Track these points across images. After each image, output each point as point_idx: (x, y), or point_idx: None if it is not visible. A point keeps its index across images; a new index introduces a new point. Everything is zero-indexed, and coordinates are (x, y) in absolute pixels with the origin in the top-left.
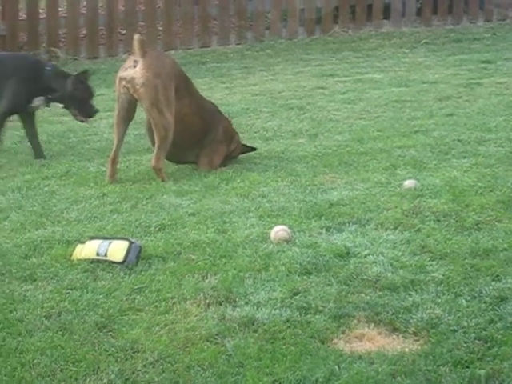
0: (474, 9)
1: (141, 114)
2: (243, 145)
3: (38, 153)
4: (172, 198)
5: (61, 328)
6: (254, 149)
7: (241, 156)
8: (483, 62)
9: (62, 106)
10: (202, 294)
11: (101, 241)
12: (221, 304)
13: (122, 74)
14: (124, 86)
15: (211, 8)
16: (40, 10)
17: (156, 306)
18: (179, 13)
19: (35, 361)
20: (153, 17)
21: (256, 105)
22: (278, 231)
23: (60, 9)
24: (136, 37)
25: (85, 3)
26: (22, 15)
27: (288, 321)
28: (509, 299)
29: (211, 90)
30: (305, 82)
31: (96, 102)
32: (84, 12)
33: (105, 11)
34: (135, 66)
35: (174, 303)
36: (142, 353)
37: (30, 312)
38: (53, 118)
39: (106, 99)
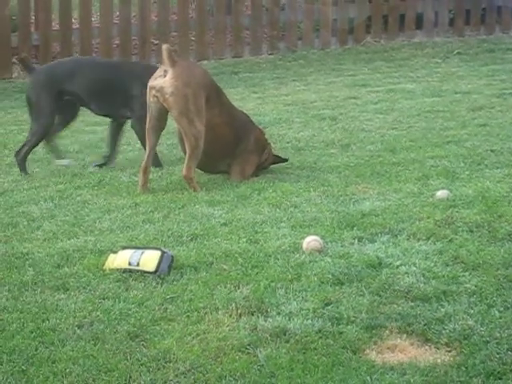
0: (507, 19)
1: (174, 123)
2: (275, 155)
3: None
4: (204, 208)
5: (93, 337)
6: (285, 160)
7: (273, 166)
8: None
9: None
10: (233, 304)
11: (133, 250)
12: (253, 314)
13: (152, 83)
14: (154, 96)
15: (244, 18)
16: (73, 20)
17: (188, 316)
18: (212, 23)
19: (67, 370)
20: (185, 27)
21: (288, 115)
22: (310, 241)
23: (93, 19)
24: (165, 47)
25: (118, 13)
26: (55, 25)
27: (320, 331)
28: None
29: (243, 100)
30: (337, 92)
31: None
32: (117, 22)
33: (137, 21)
34: (165, 76)
35: (205, 313)
36: (173, 363)
37: (62, 321)
38: (85, 127)
39: None
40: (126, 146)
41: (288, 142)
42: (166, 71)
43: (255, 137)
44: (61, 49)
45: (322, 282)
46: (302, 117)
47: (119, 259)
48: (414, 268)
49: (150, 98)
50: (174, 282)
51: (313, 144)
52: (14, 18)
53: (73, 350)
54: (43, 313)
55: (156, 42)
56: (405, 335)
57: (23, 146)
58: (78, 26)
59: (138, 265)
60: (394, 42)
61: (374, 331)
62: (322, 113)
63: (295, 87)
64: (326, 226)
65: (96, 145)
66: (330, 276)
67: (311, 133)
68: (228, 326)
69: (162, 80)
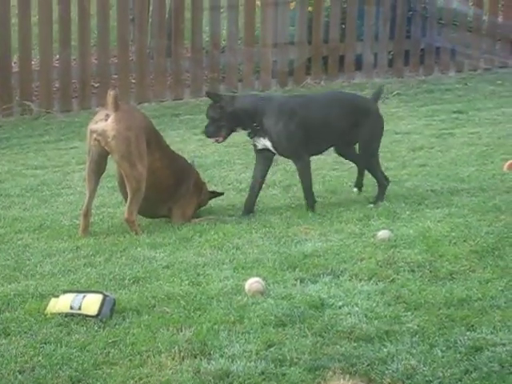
0: (445, 59)
1: (114, 166)
2: (211, 191)
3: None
4: (146, 251)
5: (35, 383)
6: (222, 193)
7: (214, 207)
8: (455, 112)
9: None
10: (176, 347)
11: (75, 294)
12: (195, 357)
13: (92, 126)
14: (95, 139)
15: (184, 61)
16: (12, 64)
17: (130, 360)
18: (152, 65)
19: None
20: (126, 69)
21: (229, 156)
22: (253, 283)
23: (33, 62)
24: (111, 92)
25: (57, 56)
26: None
27: (263, 373)
28: (483, 349)
29: (184, 142)
30: None
31: (69, 154)
32: (57, 65)
33: (77, 64)
34: (106, 120)
35: (148, 356)
36: None
37: (3, 367)
38: (26, 171)
39: (80, 152)
40: (67, 189)
41: (229, 184)
42: (107, 115)
43: (194, 179)
44: (0, 92)
45: (265, 324)
46: (243, 158)
47: (61, 303)
48: (357, 308)
49: (91, 142)
50: (117, 326)
51: None
52: None
53: None
54: None
55: (96, 84)
56: (348, 376)
57: None
58: (17, 69)
59: (79, 308)
60: (334, 82)
61: (317, 372)
62: None
63: None
64: (268, 267)
65: (36, 188)
66: (273, 318)
67: (252, 174)
68: (171, 369)
69: (104, 123)
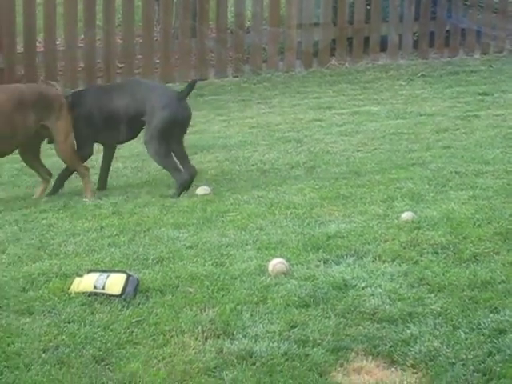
0: (471, 41)
1: (139, 146)
2: None
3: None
4: (170, 231)
5: (58, 361)
6: None
7: (240, 188)
8: (480, 94)
9: None
10: (199, 327)
11: (98, 274)
12: (219, 337)
13: None
14: None
15: (208, 41)
16: (37, 43)
17: (154, 339)
18: (176, 46)
19: None
20: (150, 49)
21: (253, 137)
22: (276, 264)
23: (58, 42)
24: None
25: (82, 36)
26: (20, 48)
27: (286, 354)
28: (507, 331)
29: (209, 122)
30: (302, 115)
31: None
32: (81, 45)
33: (102, 44)
34: None
35: (171, 336)
36: None
37: (27, 345)
38: (50, 151)
39: None
40: (91, 169)
41: (253, 165)
42: None
43: None
44: (25, 72)
45: (288, 305)
46: (267, 139)
47: (85, 283)
48: (380, 290)
49: None
50: (140, 306)
51: (278, 166)
52: None
53: (38, 375)
54: (8, 337)
55: (121, 65)
56: (371, 357)
57: None
58: (42, 49)
59: (103, 288)
60: (358, 64)
61: (339, 353)
62: (286, 135)
63: (260, 110)
64: (291, 248)
65: (60, 168)
66: (296, 298)
67: (276, 155)
68: (194, 349)
69: None
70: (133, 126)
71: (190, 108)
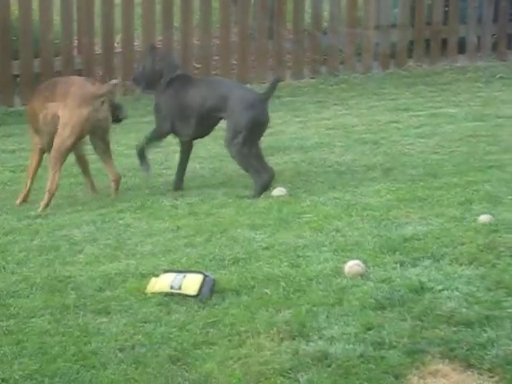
0: None
1: (216, 147)
2: None
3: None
4: (246, 232)
5: (134, 361)
6: None
7: (316, 190)
8: None
9: None
10: (275, 329)
11: (175, 274)
12: (294, 338)
13: None
14: None
15: (285, 42)
16: (115, 44)
17: (229, 340)
18: (253, 47)
19: None
20: (227, 51)
21: (330, 139)
22: (352, 266)
23: (135, 43)
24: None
25: (160, 37)
26: (98, 49)
27: (362, 356)
28: None
29: (285, 124)
30: (379, 117)
31: (170, 135)
32: (159, 46)
33: (180, 45)
34: None
35: (247, 337)
36: None
37: (104, 345)
38: (127, 151)
39: None
40: (168, 170)
41: (330, 166)
42: None
43: None
44: (103, 73)
45: (364, 307)
46: (343, 141)
47: (161, 283)
48: (457, 293)
49: None
50: (216, 306)
51: (354, 168)
52: (56, 41)
53: (114, 374)
54: (85, 336)
55: (198, 65)
56: (447, 360)
57: None
58: (120, 49)
59: (179, 288)
60: (436, 66)
61: (416, 356)
62: (363, 137)
63: (337, 111)
64: (368, 250)
65: (138, 168)
66: (372, 300)
67: (353, 157)
68: (270, 350)
69: None
70: (208, 121)
71: (268, 110)
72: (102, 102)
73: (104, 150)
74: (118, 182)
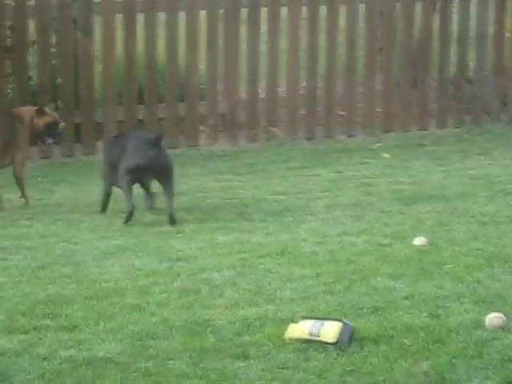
0: None
1: (356, 195)
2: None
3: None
4: (386, 281)
5: None
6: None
7: (458, 240)
8: None
9: None
10: (413, 379)
11: (314, 321)
12: None
13: None
14: None
15: (430, 91)
16: (259, 90)
17: None
18: (398, 95)
19: None
20: (371, 99)
21: (473, 189)
22: (493, 318)
23: (279, 89)
24: None
25: (304, 83)
26: (243, 95)
27: None
28: None
29: (428, 172)
30: None
31: (312, 181)
32: (303, 92)
33: (323, 92)
34: None
35: None
36: None
37: None
38: (269, 196)
39: (323, 180)
40: (310, 216)
41: (472, 217)
42: None
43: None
44: (246, 118)
45: (505, 360)
46: (486, 191)
47: (300, 329)
48: None
49: None
50: (354, 354)
51: (497, 219)
52: (202, 86)
53: None
54: (223, 380)
55: (341, 112)
56: None
57: None
58: (264, 95)
59: (318, 335)
60: None
61: None
62: (507, 187)
63: (480, 161)
64: (509, 302)
65: (280, 213)
66: None
67: (496, 208)
68: None
69: None
70: None
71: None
72: None
73: None
74: None
